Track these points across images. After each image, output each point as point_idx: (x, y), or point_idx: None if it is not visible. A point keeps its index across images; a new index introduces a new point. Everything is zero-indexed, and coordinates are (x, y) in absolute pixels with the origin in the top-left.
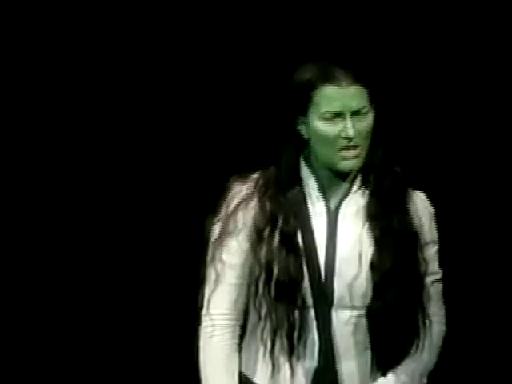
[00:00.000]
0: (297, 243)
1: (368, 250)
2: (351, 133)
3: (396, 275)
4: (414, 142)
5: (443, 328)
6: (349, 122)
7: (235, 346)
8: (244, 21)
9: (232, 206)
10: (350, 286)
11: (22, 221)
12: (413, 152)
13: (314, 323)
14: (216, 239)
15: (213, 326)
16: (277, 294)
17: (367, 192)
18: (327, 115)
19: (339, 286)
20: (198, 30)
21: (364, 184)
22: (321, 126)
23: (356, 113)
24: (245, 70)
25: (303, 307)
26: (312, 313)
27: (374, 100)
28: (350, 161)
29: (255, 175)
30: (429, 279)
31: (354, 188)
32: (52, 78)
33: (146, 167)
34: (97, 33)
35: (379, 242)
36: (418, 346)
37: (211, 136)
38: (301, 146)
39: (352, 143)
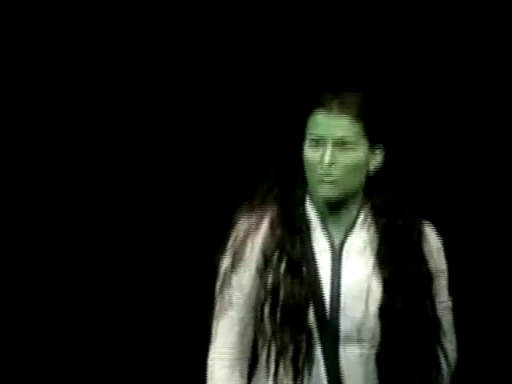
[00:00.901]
0: (303, 271)
1: (376, 289)
2: (326, 159)
3: (406, 319)
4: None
5: (455, 355)
6: (328, 149)
7: (238, 379)
8: (246, 34)
9: (240, 237)
10: (357, 323)
11: (19, 221)
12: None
13: (321, 358)
14: (224, 272)
15: (215, 358)
16: (282, 318)
17: (372, 229)
18: (312, 138)
19: (345, 323)
20: (198, 43)
21: (368, 220)
22: (307, 150)
23: (340, 142)
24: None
25: (310, 340)
26: (319, 348)
27: (381, 140)
28: (325, 185)
29: (263, 206)
30: (441, 309)
31: (358, 225)
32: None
33: (151, 183)
34: (91, 34)
35: (389, 284)
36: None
37: (220, 157)
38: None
39: (329, 172)
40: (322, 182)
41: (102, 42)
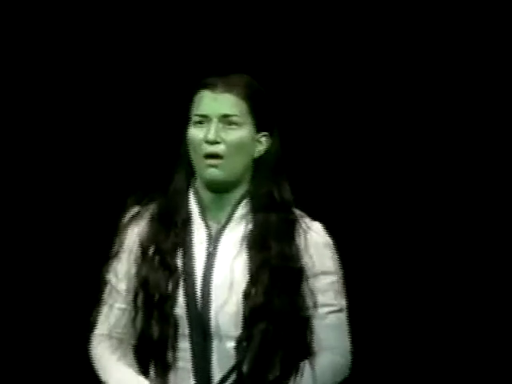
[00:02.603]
0: (173, 263)
1: (241, 280)
2: (211, 135)
3: (267, 309)
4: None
5: (338, 360)
6: (212, 125)
7: (118, 357)
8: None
9: (123, 229)
10: (220, 314)
11: None
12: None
13: (188, 354)
14: (108, 262)
15: (93, 346)
16: (149, 310)
17: (251, 222)
18: (196, 118)
19: (216, 316)
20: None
21: (250, 212)
22: (191, 130)
23: (225, 120)
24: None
25: (176, 333)
26: (186, 343)
27: (267, 126)
28: (212, 169)
29: (151, 199)
30: (321, 311)
31: (237, 215)
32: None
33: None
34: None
35: (254, 273)
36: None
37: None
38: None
39: (214, 150)
40: (207, 163)
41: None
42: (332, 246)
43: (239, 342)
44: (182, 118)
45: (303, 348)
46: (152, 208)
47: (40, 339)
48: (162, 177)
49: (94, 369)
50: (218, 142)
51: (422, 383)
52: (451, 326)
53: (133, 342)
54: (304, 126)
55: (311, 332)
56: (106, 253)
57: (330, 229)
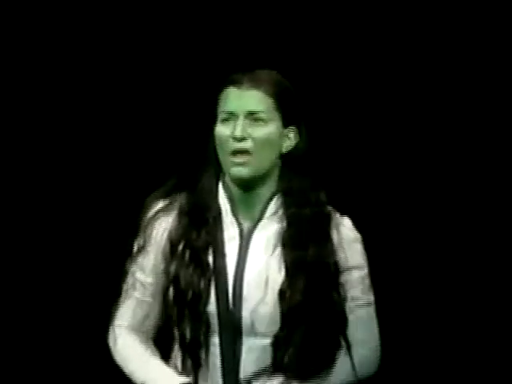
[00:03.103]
0: (206, 260)
1: (277, 277)
2: (238, 132)
3: (306, 307)
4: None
5: (367, 354)
6: (239, 122)
7: (140, 344)
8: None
9: (148, 223)
10: (255, 313)
11: None
12: (343, 175)
13: (218, 349)
14: (132, 256)
15: (116, 337)
16: (181, 306)
17: (284, 218)
18: (223, 115)
19: (247, 313)
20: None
21: (282, 209)
22: (218, 127)
23: (252, 116)
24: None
25: (207, 330)
26: (217, 339)
27: (295, 121)
28: (238, 167)
29: (175, 195)
30: (351, 304)
31: (268, 212)
32: None
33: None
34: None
35: (291, 271)
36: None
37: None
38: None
39: (241, 146)
40: (235, 160)
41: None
42: (361, 241)
43: (277, 340)
44: (210, 115)
45: (337, 342)
46: (179, 204)
47: (50, 336)
48: (188, 173)
49: (115, 360)
50: (244, 139)
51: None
52: (454, 326)
53: (154, 335)
54: (330, 120)
55: (345, 326)
56: (124, 248)
57: (358, 224)
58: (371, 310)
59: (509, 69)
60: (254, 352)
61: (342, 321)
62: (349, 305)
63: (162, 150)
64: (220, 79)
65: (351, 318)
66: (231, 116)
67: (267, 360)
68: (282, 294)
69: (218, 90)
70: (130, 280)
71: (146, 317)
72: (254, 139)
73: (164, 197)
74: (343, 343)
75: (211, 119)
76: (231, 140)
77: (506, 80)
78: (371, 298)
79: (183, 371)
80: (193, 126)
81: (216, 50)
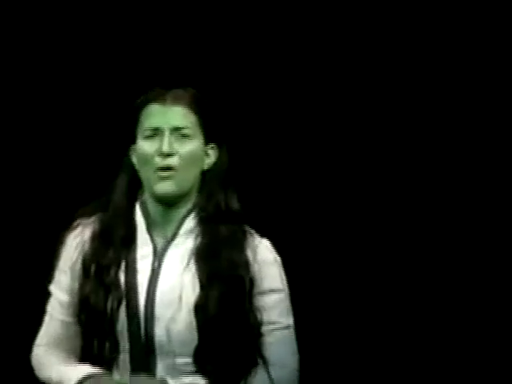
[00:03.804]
0: (113, 279)
1: (191, 294)
2: (165, 148)
3: (221, 321)
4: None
5: (281, 376)
6: (165, 138)
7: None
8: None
9: (65, 243)
10: (169, 331)
11: None
12: (266, 200)
13: (129, 368)
14: (51, 274)
15: (34, 356)
16: (92, 325)
17: (200, 235)
18: (147, 132)
19: (159, 331)
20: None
21: (198, 226)
22: (141, 144)
23: (177, 132)
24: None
25: (117, 350)
26: (127, 358)
27: (216, 139)
28: (164, 182)
29: (93, 214)
30: (267, 328)
31: (183, 229)
32: None
33: None
34: None
35: (205, 284)
36: None
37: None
38: (137, 183)
39: (168, 162)
40: (160, 175)
41: None
42: (280, 264)
43: (196, 354)
44: (126, 134)
45: (251, 360)
46: (94, 223)
47: None
48: (105, 192)
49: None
50: (172, 155)
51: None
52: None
53: (77, 354)
54: (253, 138)
55: (266, 346)
56: (48, 265)
57: (278, 246)
58: (289, 334)
59: (509, 69)
60: (168, 371)
61: (257, 338)
62: (267, 327)
63: (80, 169)
64: (136, 97)
65: (269, 339)
66: (156, 132)
67: (186, 379)
68: (197, 308)
69: (137, 108)
70: (51, 299)
71: (66, 336)
72: (180, 155)
73: (83, 216)
74: (260, 361)
75: (128, 138)
76: (157, 156)
77: (504, 80)
78: (290, 321)
79: None
80: (108, 145)
81: (131, 68)
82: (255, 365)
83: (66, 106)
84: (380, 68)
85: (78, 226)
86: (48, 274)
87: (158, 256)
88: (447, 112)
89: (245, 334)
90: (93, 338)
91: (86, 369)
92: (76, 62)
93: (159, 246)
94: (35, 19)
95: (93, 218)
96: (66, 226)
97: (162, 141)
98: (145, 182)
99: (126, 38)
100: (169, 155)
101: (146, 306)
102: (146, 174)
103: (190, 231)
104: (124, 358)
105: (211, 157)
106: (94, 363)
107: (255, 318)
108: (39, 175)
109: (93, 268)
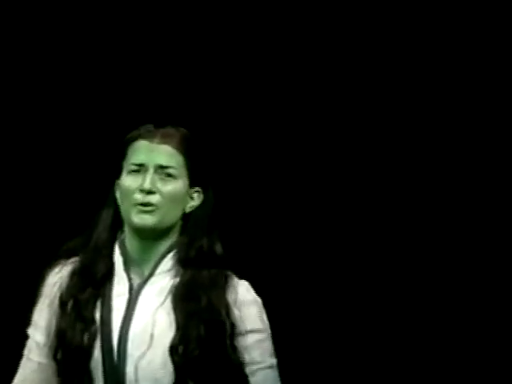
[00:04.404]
0: (90, 315)
1: (166, 333)
2: (147, 184)
3: (201, 363)
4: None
5: None
6: (148, 175)
7: None
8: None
9: (44, 283)
10: (138, 369)
11: None
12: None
13: None
14: (29, 316)
15: None
16: (67, 362)
17: (179, 275)
18: (132, 167)
19: (130, 369)
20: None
21: (176, 266)
22: (125, 179)
23: (161, 171)
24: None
25: None
26: None
27: (201, 183)
28: (143, 215)
29: (75, 253)
30: (249, 368)
31: (161, 268)
32: None
33: None
34: None
35: (183, 325)
36: None
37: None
38: (119, 220)
39: (148, 200)
40: (139, 208)
41: None
42: (260, 304)
43: None
44: (112, 169)
45: None
46: (75, 262)
47: None
48: (87, 231)
49: None
50: (153, 192)
51: None
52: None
53: None
54: (240, 183)
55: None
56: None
57: (258, 287)
58: (271, 373)
59: (509, 69)
60: None
61: (242, 379)
62: (250, 367)
63: (60, 203)
64: (126, 133)
65: (252, 380)
66: (140, 168)
67: None
68: (172, 349)
69: (126, 142)
70: (28, 341)
71: (42, 378)
72: (161, 194)
73: (65, 256)
74: None
75: (113, 173)
76: (138, 192)
77: (504, 80)
78: (273, 361)
79: None
80: (92, 179)
81: (120, 103)
82: None
83: (55, 136)
84: (370, 72)
85: (57, 264)
86: (27, 317)
87: (134, 294)
88: (447, 112)
89: (227, 375)
90: (69, 377)
91: None
92: (70, 91)
93: (135, 284)
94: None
95: (72, 259)
96: (48, 263)
97: (144, 177)
98: (124, 216)
99: (121, 72)
100: (150, 193)
101: (119, 344)
102: (125, 207)
103: (169, 270)
104: None
105: (195, 200)
106: None
107: (238, 358)
108: (21, 207)
109: (70, 303)
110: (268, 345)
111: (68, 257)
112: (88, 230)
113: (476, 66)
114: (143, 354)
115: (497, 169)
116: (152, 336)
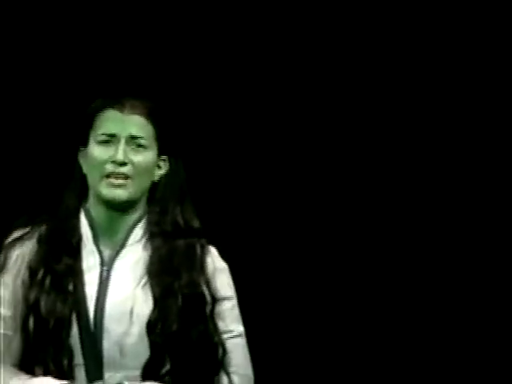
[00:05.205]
0: (68, 287)
1: (143, 309)
2: (120, 156)
3: (179, 338)
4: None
5: (242, 382)
6: (121, 146)
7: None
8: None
9: (6, 252)
10: (118, 345)
11: None
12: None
13: (85, 380)
14: None
15: None
16: (42, 335)
17: (149, 245)
18: (102, 137)
19: (108, 345)
20: None
21: (147, 236)
22: (94, 149)
23: (132, 141)
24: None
25: (71, 361)
26: (83, 371)
27: (169, 151)
28: (115, 189)
29: (38, 223)
30: (223, 336)
31: (132, 239)
32: None
33: None
34: None
35: (160, 301)
36: None
37: None
38: (84, 189)
39: (120, 170)
40: (111, 181)
41: None
42: (228, 271)
43: (146, 372)
44: (76, 138)
45: (212, 371)
46: (39, 230)
47: None
48: (50, 199)
49: None
50: (125, 164)
51: None
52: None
53: (18, 369)
54: (210, 151)
55: (223, 356)
56: None
57: (225, 253)
58: (242, 341)
59: (509, 69)
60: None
61: (219, 351)
62: (222, 336)
63: (24, 174)
64: (93, 102)
65: (226, 349)
66: (111, 139)
67: None
68: (150, 325)
69: (93, 111)
70: None
71: (7, 349)
72: (133, 164)
73: (25, 224)
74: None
75: (79, 140)
76: (109, 163)
77: (504, 80)
78: (242, 328)
79: None
80: (55, 149)
81: (88, 76)
82: (215, 374)
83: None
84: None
85: (17, 235)
86: None
87: (106, 267)
88: (447, 112)
89: (205, 346)
90: (42, 347)
91: (53, 381)
92: (29, 62)
93: (106, 256)
94: None
95: (35, 227)
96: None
97: (116, 148)
98: (92, 186)
99: (81, 43)
100: (123, 164)
101: (95, 319)
102: (94, 178)
103: (139, 241)
104: (80, 371)
105: (162, 169)
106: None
107: (216, 329)
108: None
109: (43, 275)
110: (237, 312)
111: (25, 225)
112: (50, 201)
113: (476, 66)
114: (122, 330)
115: (497, 169)
116: (131, 311)
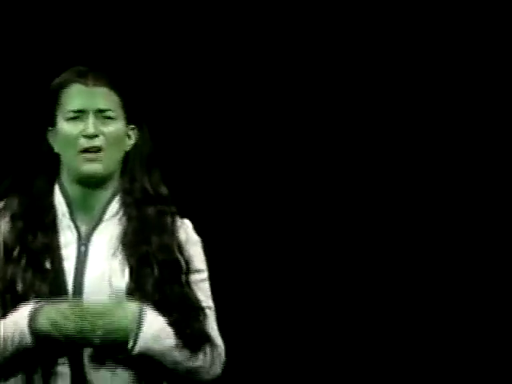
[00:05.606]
0: (45, 264)
1: (121, 282)
2: (91, 129)
3: (158, 304)
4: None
5: (220, 352)
6: (90, 119)
7: None
8: None
9: None
10: None
11: None
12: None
13: (65, 358)
14: None
15: None
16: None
17: (125, 219)
18: (70, 114)
19: None
20: None
21: (122, 210)
22: (64, 126)
23: (101, 114)
24: None
25: None
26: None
27: (137, 120)
28: (91, 164)
29: (9, 198)
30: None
31: (108, 214)
32: None
33: None
34: None
35: (136, 272)
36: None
37: None
38: (56, 167)
39: (93, 144)
40: (85, 156)
41: None
42: (201, 245)
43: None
44: (44, 114)
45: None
46: (11, 207)
47: None
48: (22, 175)
49: None
50: (97, 136)
51: None
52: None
53: None
54: (178, 119)
55: (205, 319)
56: None
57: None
58: (213, 315)
59: (509, 69)
60: (99, 360)
61: (200, 315)
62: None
63: None
64: (54, 77)
65: None
66: (80, 114)
67: (115, 371)
68: (128, 294)
69: (57, 88)
70: None
71: None
72: (105, 136)
73: None
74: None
75: (45, 119)
76: (82, 138)
77: (504, 80)
78: (210, 303)
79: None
80: (25, 126)
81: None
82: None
83: None
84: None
85: None
86: None
87: (83, 242)
88: (447, 112)
89: (186, 312)
90: None
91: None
92: None
93: (83, 232)
94: None
95: (7, 203)
96: None
97: (86, 123)
98: (67, 165)
99: (39, 16)
100: (94, 136)
101: (74, 295)
102: (69, 156)
103: (115, 215)
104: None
105: (132, 138)
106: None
107: (194, 295)
108: None
109: (19, 252)
110: (208, 286)
111: None
112: (14, 177)
113: (476, 66)
114: None
115: (497, 169)
116: (110, 285)
